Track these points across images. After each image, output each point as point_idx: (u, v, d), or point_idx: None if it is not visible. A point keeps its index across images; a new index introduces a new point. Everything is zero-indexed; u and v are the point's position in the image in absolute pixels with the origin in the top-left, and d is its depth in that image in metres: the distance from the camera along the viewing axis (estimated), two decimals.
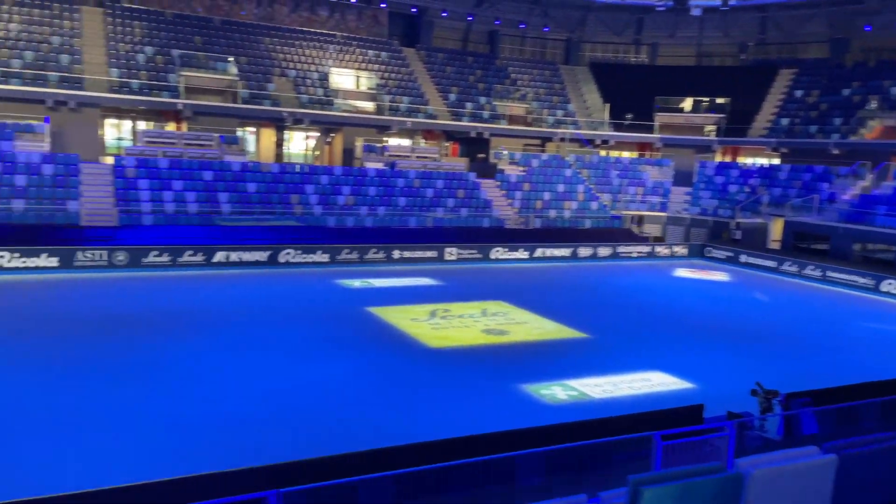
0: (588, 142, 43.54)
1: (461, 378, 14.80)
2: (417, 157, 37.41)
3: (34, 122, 29.21)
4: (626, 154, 45.31)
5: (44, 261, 23.04)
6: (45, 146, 28.67)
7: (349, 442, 11.09)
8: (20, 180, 26.22)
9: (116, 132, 35.11)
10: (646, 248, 34.33)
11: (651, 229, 37.52)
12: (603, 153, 44.56)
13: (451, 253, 29.90)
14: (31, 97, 30.07)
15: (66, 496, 7.54)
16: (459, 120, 40.69)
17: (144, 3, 37.54)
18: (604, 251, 33.06)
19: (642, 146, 44.52)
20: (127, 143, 33.81)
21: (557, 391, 14.06)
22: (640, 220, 37.95)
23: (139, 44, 35.13)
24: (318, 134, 39.89)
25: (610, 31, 49.68)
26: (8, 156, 26.93)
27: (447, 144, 40.89)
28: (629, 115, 43.33)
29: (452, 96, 41.85)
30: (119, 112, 33.77)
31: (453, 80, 43.50)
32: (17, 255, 22.69)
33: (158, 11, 37.60)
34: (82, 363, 14.42)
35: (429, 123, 39.59)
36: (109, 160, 30.52)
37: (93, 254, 23.70)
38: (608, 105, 44.40)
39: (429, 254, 29.42)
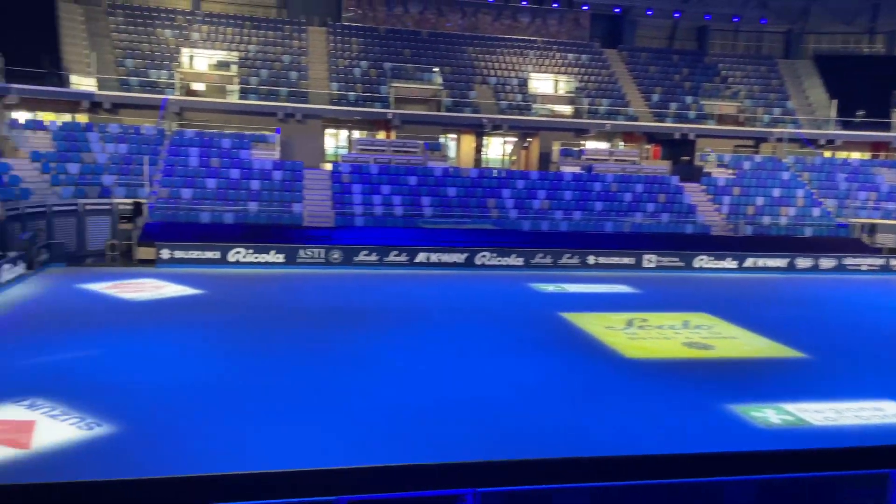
0: (810, 142, 39.57)
1: (660, 392, 14.16)
2: (616, 160, 36.46)
3: (267, 133, 32.81)
4: (855, 155, 40.50)
5: (272, 257, 25.76)
6: (276, 154, 32.07)
7: (541, 446, 11.09)
8: (255, 185, 29.56)
9: (335, 141, 38.28)
10: (879, 261, 30.42)
11: (886, 239, 33.14)
12: (828, 154, 40.21)
13: (649, 260, 28.74)
14: (265, 111, 33.80)
15: (279, 473, 8.32)
16: (662, 121, 39.02)
17: (361, 21, 40.54)
18: (827, 263, 29.84)
19: (876, 146, 39.51)
20: (343, 151, 36.74)
21: (770, 414, 12.93)
22: (872, 229, 33.70)
23: (356, 59, 38.01)
24: (516, 139, 40.38)
25: (838, 20, 44.71)
26: (246, 163, 30.50)
27: (648, 147, 39.36)
28: (861, 112, 38.70)
29: (655, 97, 40.23)
30: (337, 122, 36.81)
31: (657, 80, 41.80)
32: (251, 251, 25.61)
33: (373, 28, 40.41)
34: (300, 350, 15.91)
35: (629, 125, 38.43)
36: (328, 167, 33.40)
37: (313, 252, 26.06)
38: (835, 101, 39.99)
39: (626, 260, 28.53)
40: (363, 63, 37.73)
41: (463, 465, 8.40)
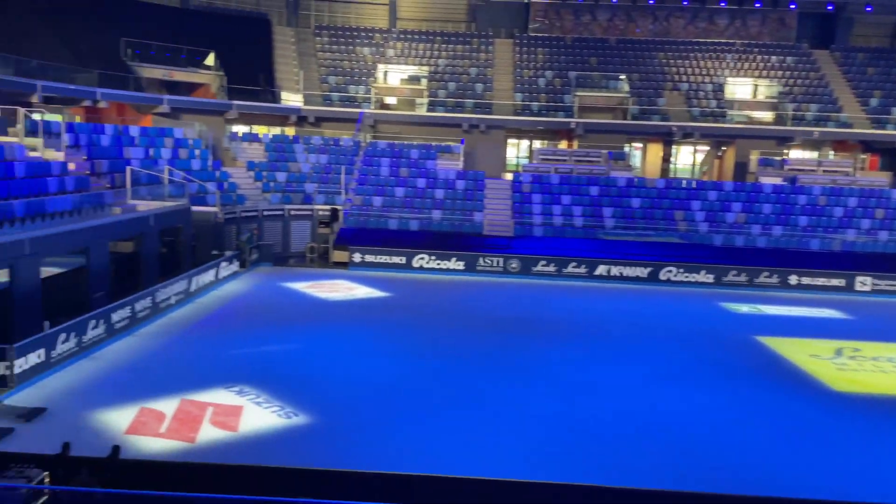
0: None
1: (875, 432, 12.53)
2: (824, 171, 33.08)
3: (452, 144, 33.83)
4: None
5: (453, 264, 26.44)
6: (459, 164, 32.95)
7: (734, 482, 10.26)
8: (439, 194, 30.57)
9: (516, 151, 38.56)
10: None
11: None
12: None
13: (863, 282, 25.68)
14: (451, 122, 34.87)
15: (462, 479, 8.40)
16: (883, 128, 34.74)
17: (548, 31, 40.52)
18: None
19: None
20: (524, 161, 36.89)
21: None
22: None
23: (541, 69, 38.04)
24: (708, 148, 38.06)
25: None
26: (431, 173, 31.66)
27: (864, 157, 35.25)
28: None
29: (874, 101, 35.96)
30: (519, 132, 37.03)
31: (875, 82, 37.34)
32: (433, 257, 26.50)
33: (559, 37, 40.21)
34: (480, 357, 16.10)
35: (841, 133, 34.67)
36: (509, 176, 33.69)
37: (491, 260, 26.40)
38: None
39: (834, 282, 25.72)
40: (548, 73, 37.65)
41: (649, 492, 7.99)
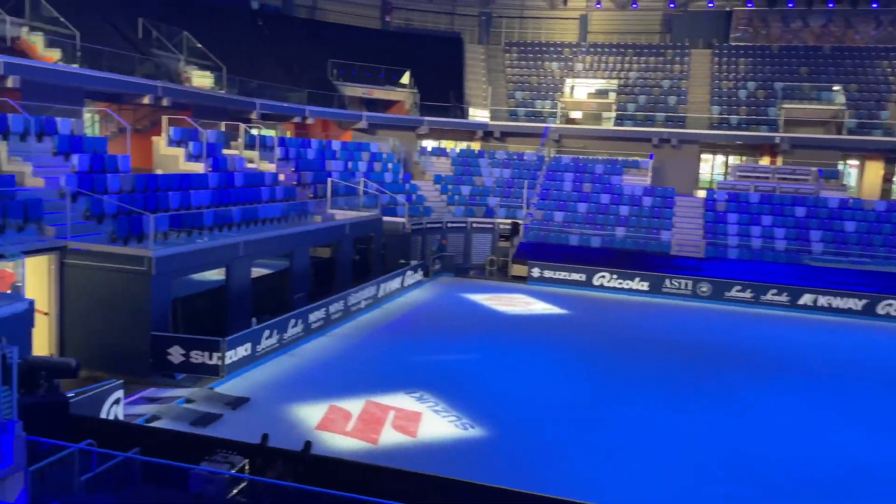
0: None
1: None
2: None
3: (639, 159, 32.62)
4: None
5: (636, 284, 25.39)
6: (647, 180, 31.66)
7: None
8: (623, 210, 29.57)
9: (710, 167, 36.31)
10: None
11: None
12: None
13: None
14: (640, 136, 33.64)
15: None
16: None
17: (752, 40, 37.83)
18: None
19: None
20: (718, 178, 34.62)
21: None
22: None
23: (742, 80, 35.58)
24: None
25: None
26: (616, 188, 30.74)
27: None
28: None
29: None
30: (714, 147, 34.84)
31: None
32: (615, 276, 25.63)
33: (765, 46, 37.37)
34: (663, 384, 15.22)
35: None
36: (701, 194, 31.77)
37: (679, 282, 24.98)
38: None
39: None
40: (750, 84, 35.10)
41: None
